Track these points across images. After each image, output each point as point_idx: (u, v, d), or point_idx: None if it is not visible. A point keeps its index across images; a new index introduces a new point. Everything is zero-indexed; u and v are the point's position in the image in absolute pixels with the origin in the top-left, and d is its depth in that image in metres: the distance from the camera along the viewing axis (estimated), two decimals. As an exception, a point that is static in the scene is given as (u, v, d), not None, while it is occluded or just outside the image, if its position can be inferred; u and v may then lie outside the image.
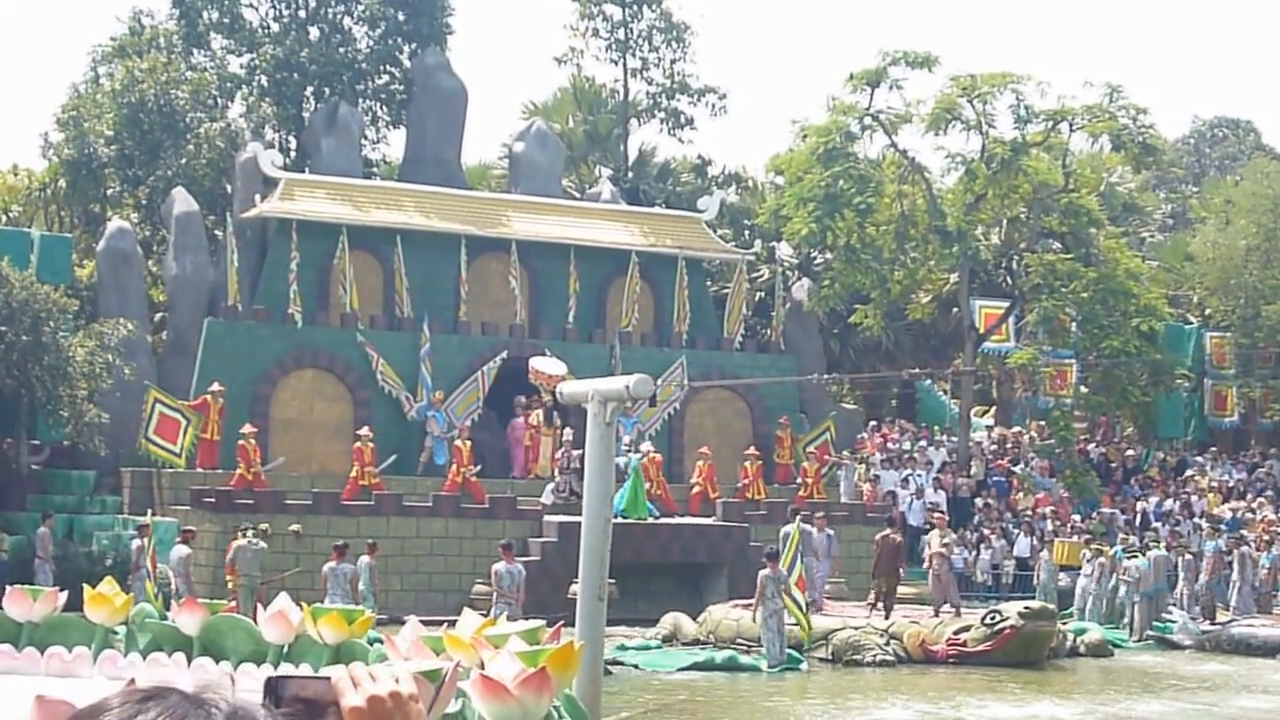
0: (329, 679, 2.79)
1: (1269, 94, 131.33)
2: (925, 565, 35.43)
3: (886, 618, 33.05)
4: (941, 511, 42.33)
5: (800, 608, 30.97)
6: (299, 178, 47.04)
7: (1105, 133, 51.90)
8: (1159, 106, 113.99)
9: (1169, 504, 49.49)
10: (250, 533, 33.80)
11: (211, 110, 52.10)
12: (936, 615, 33.37)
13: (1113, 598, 38.98)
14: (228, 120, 52.27)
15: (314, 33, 54.75)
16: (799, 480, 44.81)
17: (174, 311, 46.77)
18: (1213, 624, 37.97)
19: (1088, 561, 39.88)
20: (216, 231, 47.63)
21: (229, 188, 49.33)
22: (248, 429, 39.49)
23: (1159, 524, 47.65)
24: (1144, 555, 38.57)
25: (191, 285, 45.70)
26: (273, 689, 2.79)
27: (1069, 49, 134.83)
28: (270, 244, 45.13)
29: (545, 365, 43.88)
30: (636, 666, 30.11)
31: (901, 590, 36.43)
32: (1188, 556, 40.57)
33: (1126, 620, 37.92)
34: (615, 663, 29.67)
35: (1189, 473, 52.59)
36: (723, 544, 39.42)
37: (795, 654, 30.65)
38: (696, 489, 43.26)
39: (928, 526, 40.25)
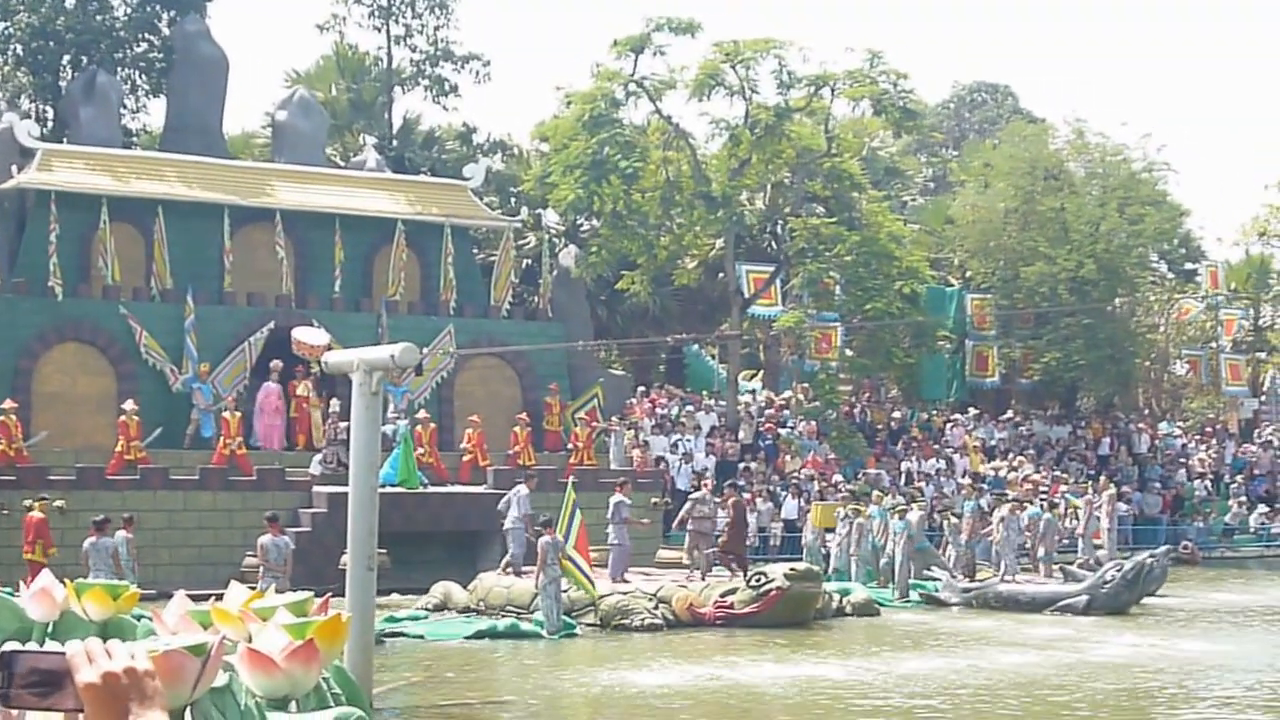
0: (64, 653, 2.82)
1: (1026, 59, 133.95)
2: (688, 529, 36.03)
3: (743, 573, 33.41)
4: (706, 477, 43.05)
5: (581, 571, 31.16)
6: (57, 148, 46.22)
7: (867, 98, 52.65)
8: (919, 72, 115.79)
9: (932, 464, 50.43)
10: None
11: (-35, 80, 51.00)
12: (702, 579, 33.88)
13: (875, 557, 39.57)
14: (-18, 90, 51.21)
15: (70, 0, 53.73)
16: (569, 446, 45.02)
17: (-70, 285, 45.78)
18: (973, 582, 38.74)
19: (842, 520, 40.47)
20: (-28, 204, 46.62)
21: (-15, 159, 48.30)
22: (8, 404, 38.83)
23: (921, 484, 48.58)
24: (903, 515, 39.22)
25: (-52, 259, 44.74)
26: (6, 663, 2.81)
27: (831, 15, 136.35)
28: (29, 216, 44.29)
29: (308, 336, 44.05)
30: (421, 637, 30.08)
31: (666, 554, 36.86)
32: (952, 519, 41.32)
33: (890, 580, 38.52)
34: (397, 634, 29.65)
35: (952, 432, 53.61)
36: (495, 511, 39.49)
37: (569, 620, 30.84)
38: (467, 456, 43.27)
39: (693, 490, 40.65)
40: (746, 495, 45.63)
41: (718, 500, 37.72)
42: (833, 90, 52.06)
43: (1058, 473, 51.82)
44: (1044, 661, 27.06)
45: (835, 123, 55.03)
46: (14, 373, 41.61)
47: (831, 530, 41.77)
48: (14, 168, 44.54)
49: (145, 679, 2.87)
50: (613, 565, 34.44)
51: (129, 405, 39.96)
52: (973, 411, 55.93)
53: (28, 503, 34.52)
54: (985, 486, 46.50)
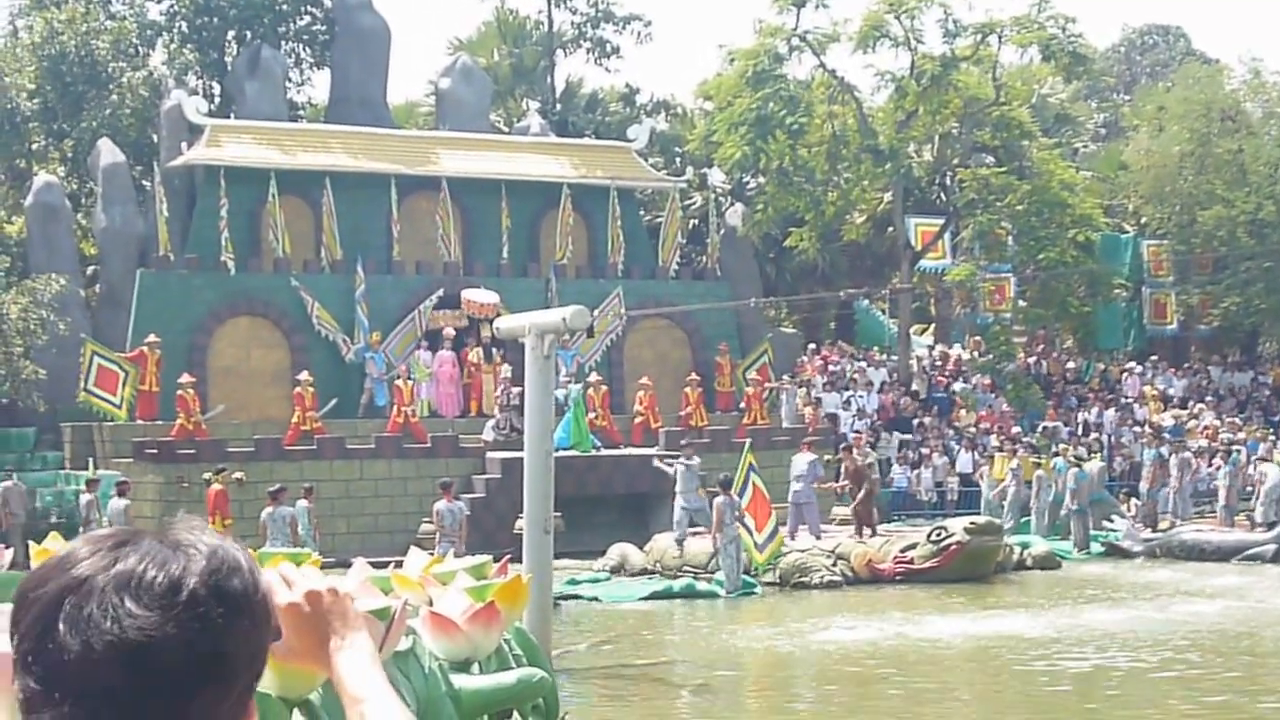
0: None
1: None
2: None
3: (874, 534, 33.21)
4: (858, 432, 42.85)
5: (750, 534, 30.97)
6: (224, 124, 46.64)
7: (1034, 44, 51.83)
8: (1088, 15, 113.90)
9: (1111, 414, 49.66)
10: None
11: (133, 59, 51.55)
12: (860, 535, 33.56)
13: (1056, 510, 39.06)
14: (150, 69, 51.78)
15: (233, -24, 54.15)
16: (741, 406, 44.80)
17: (105, 264, 46.43)
18: (1155, 531, 38.15)
19: (1012, 474, 40.04)
20: (144, 182, 47.20)
21: (154, 137, 48.90)
22: (186, 379, 39.26)
23: (1096, 434, 47.87)
24: (1082, 466, 38.66)
25: (121, 237, 45.33)
26: None
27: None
28: (199, 192, 44.75)
29: (478, 295, 44.22)
30: (596, 599, 30.06)
31: (841, 511, 36.56)
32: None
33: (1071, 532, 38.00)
34: (572, 596, 29.64)
35: (1129, 381, 52.77)
36: (666, 473, 39.35)
37: (749, 579, 30.69)
38: (639, 419, 43.15)
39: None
40: (924, 450, 45.30)
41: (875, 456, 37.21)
42: (999, 37, 51.26)
43: (1238, 420, 50.85)
44: (1231, 610, 26.51)
45: (1003, 70, 54.23)
46: (189, 348, 42.06)
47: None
48: (183, 145, 44.96)
49: (347, 600, 2.73)
50: (811, 523, 34.12)
51: (304, 376, 40.26)
52: (1151, 360, 54.97)
53: (206, 476, 34.91)
54: (1165, 435, 45.75)
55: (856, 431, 43.73)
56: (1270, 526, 37.05)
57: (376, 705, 2.60)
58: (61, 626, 2.24)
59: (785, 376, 47.02)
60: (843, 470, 35.39)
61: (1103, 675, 20.69)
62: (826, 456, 39.82)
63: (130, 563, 2.29)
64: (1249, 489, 41.36)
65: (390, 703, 2.62)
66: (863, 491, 34.12)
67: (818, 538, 33.46)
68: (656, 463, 37.03)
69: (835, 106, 51.33)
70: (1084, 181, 55.20)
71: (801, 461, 34.70)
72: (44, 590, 2.29)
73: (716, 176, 54.06)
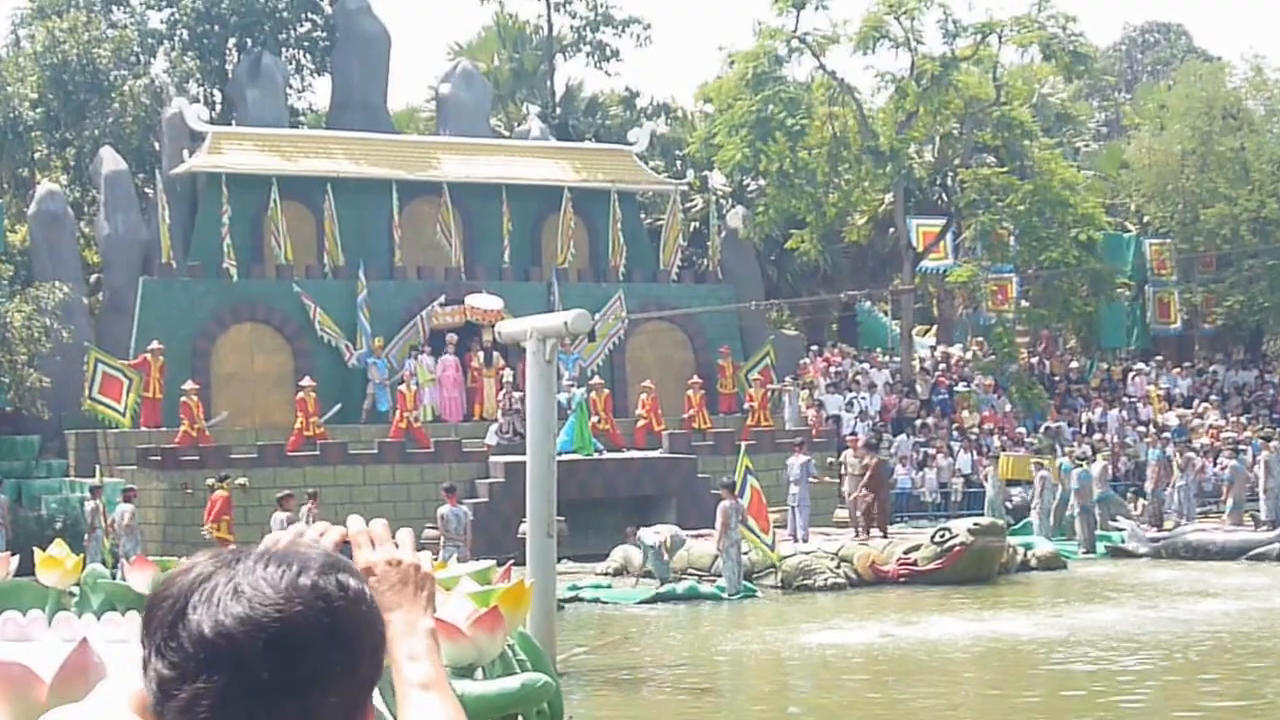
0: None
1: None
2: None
3: (884, 535, 33.35)
4: (854, 434, 42.89)
5: (757, 535, 30.99)
6: (226, 130, 46.69)
7: (1035, 43, 51.89)
8: (1088, 14, 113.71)
9: (1115, 413, 49.68)
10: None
11: (135, 67, 51.59)
12: (860, 536, 33.70)
13: (1061, 510, 39.06)
14: (151, 76, 51.81)
15: (233, -17, 54.18)
16: (745, 408, 44.82)
17: (109, 271, 46.46)
18: (1160, 531, 38.16)
19: (1042, 480, 40.03)
20: (147, 189, 47.28)
21: (156, 144, 48.92)
22: (189, 385, 39.31)
23: (1100, 435, 47.88)
24: (1086, 465, 38.66)
25: (124, 244, 45.40)
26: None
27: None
28: (201, 199, 44.79)
29: (482, 301, 44.25)
30: (598, 601, 30.09)
31: (843, 513, 36.66)
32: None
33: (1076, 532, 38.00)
34: (574, 599, 29.66)
35: (1134, 381, 52.78)
36: (669, 476, 39.34)
37: (748, 584, 30.72)
38: (641, 422, 43.15)
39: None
40: (930, 450, 45.32)
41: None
42: (1000, 37, 51.28)
43: (1243, 419, 50.85)
44: (1238, 610, 26.51)
45: (1003, 70, 54.24)
46: (193, 354, 42.11)
47: (1016, 484, 41.33)
48: (185, 152, 45.01)
49: (426, 577, 2.79)
50: (800, 525, 34.26)
51: (307, 382, 40.29)
52: (1156, 360, 54.95)
53: (210, 482, 34.93)
54: (1170, 435, 45.77)
55: (853, 434, 43.70)
56: (1273, 525, 37.08)
57: (421, 696, 2.65)
58: (191, 614, 2.35)
59: (788, 378, 47.04)
60: (862, 469, 35.46)
61: (1111, 676, 20.67)
62: (829, 459, 39.86)
63: (251, 562, 2.41)
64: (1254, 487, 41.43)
65: (439, 697, 2.66)
66: (878, 491, 34.38)
67: (804, 540, 33.59)
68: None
69: (835, 108, 51.32)
70: (1086, 181, 55.20)
71: (795, 464, 34.84)
72: (172, 589, 2.40)
73: (717, 179, 54.16)
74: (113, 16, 54.11)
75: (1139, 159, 57.74)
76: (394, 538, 2.84)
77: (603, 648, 24.34)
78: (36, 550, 17.03)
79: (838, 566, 31.81)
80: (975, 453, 45.18)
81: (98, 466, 38.90)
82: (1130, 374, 53.53)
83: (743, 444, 34.98)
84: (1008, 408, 49.30)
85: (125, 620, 15.99)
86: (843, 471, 37.09)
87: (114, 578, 17.25)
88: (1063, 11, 51.05)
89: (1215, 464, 43.99)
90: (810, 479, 35.24)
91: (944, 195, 56.75)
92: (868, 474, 34.98)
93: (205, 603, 2.35)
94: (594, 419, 41.03)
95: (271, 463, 37.64)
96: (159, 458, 37.47)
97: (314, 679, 2.35)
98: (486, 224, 46.51)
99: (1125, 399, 51.39)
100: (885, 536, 33.62)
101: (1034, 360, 53.90)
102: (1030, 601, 29.03)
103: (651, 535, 32.15)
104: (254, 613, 2.33)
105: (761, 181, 53.70)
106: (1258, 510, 39.29)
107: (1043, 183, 50.25)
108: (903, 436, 46.29)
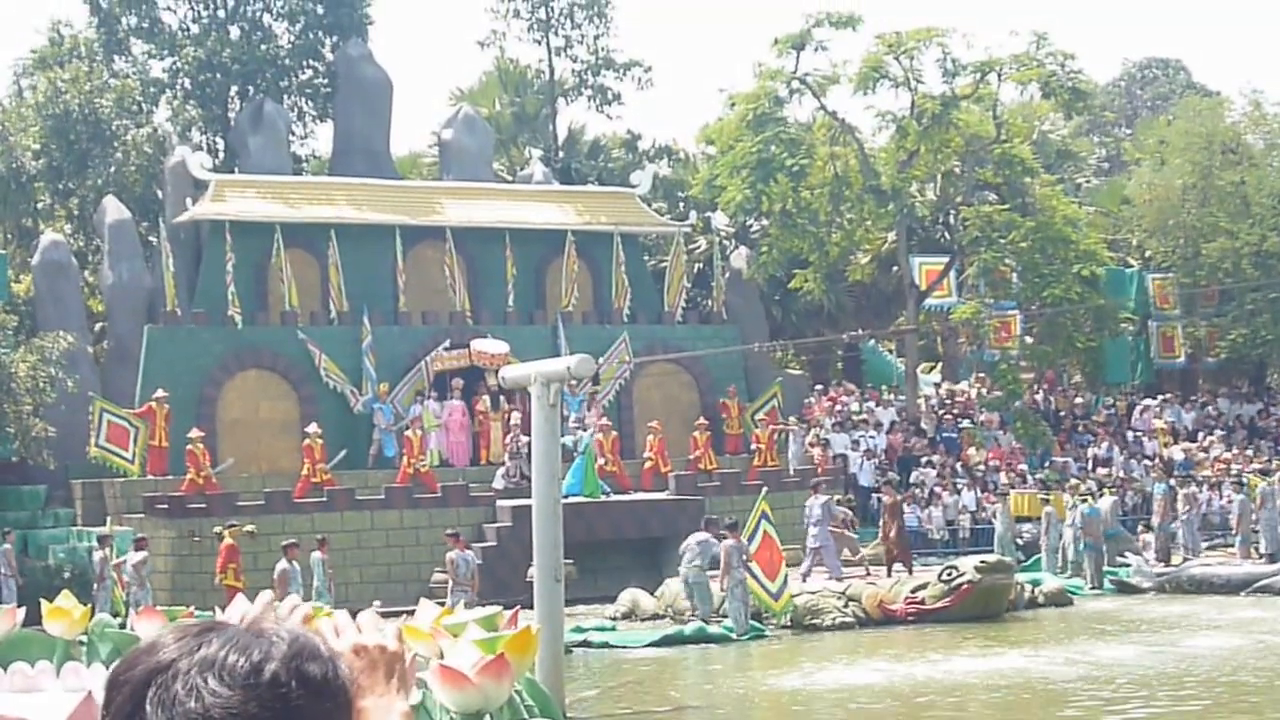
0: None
1: (1198, 32, 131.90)
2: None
3: (909, 573, 33.33)
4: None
5: (760, 582, 30.92)
6: (229, 178, 46.81)
7: (1034, 81, 51.97)
8: (1087, 51, 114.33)
9: (1120, 449, 49.65)
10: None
11: (137, 116, 51.71)
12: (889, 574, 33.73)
13: (1069, 546, 38.99)
14: (154, 125, 51.93)
15: (234, 31, 54.35)
16: (752, 448, 44.83)
17: (113, 320, 46.51)
18: (1168, 565, 38.11)
19: (1047, 517, 39.99)
20: (150, 238, 47.39)
21: (160, 193, 49.03)
22: (195, 433, 39.33)
23: (1106, 469, 47.84)
24: (1091, 501, 38.65)
25: (129, 293, 45.48)
26: None
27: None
28: (205, 246, 44.87)
29: (488, 346, 44.30)
30: (607, 645, 30.04)
31: (846, 553, 36.66)
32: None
33: (1084, 568, 37.94)
34: (584, 644, 29.61)
35: (1141, 416, 52.75)
36: (677, 517, 39.30)
37: (757, 624, 30.70)
38: (648, 463, 43.19)
39: (878, 487, 40.49)
40: (937, 488, 45.29)
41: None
42: (999, 75, 51.40)
43: (1248, 452, 50.82)
44: (1244, 645, 26.49)
45: (1003, 108, 54.35)
46: (199, 402, 42.15)
47: (1025, 520, 41.33)
48: (188, 200, 45.12)
49: (395, 659, 2.74)
50: (831, 567, 34.18)
51: (313, 428, 40.32)
52: (1161, 396, 54.91)
53: (218, 529, 34.97)
54: (1176, 469, 45.73)
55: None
56: (1273, 558, 37.07)
57: None
58: (148, 707, 2.33)
59: (792, 418, 47.01)
60: (881, 506, 35.69)
61: (1122, 711, 20.66)
62: (837, 497, 39.83)
63: (214, 648, 2.38)
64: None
65: None
66: (895, 526, 34.49)
67: (839, 579, 33.50)
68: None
69: (837, 148, 51.45)
70: (1087, 217, 55.28)
71: (815, 505, 34.68)
72: (132, 673, 2.38)
73: (720, 220, 54.22)
74: (115, 66, 54.31)
75: (1140, 194, 57.79)
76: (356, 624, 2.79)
77: (610, 691, 24.30)
78: (44, 601, 17.07)
79: (846, 606, 31.81)
80: (980, 489, 45.17)
81: (108, 517, 38.98)
82: (1135, 408, 53.52)
83: (763, 489, 34.93)
84: (1014, 444, 49.29)
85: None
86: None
87: (123, 627, 17.29)
88: (1061, 49, 51.26)
89: (1221, 496, 43.96)
90: (831, 518, 35.19)
91: (946, 233, 56.83)
92: (885, 512, 35.19)
93: (161, 700, 2.33)
94: (601, 461, 41.08)
95: (279, 509, 37.67)
96: (166, 506, 37.52)
97: None
98: (490, 268, 46.57)
99: (1131, 433, 51.37)
100: (909, 573, 33.55)
101: (1038, 396, 53.90)
102: (1037, 638, 28.98)
103: (696, 572, 31.89)
104: (210, 715, 2.31)
105: (764, 222, 53.80)
106: (1259, 543, 39.30)
107: (1044, 219, 50.34)
108: (930, 470, 46.27)
